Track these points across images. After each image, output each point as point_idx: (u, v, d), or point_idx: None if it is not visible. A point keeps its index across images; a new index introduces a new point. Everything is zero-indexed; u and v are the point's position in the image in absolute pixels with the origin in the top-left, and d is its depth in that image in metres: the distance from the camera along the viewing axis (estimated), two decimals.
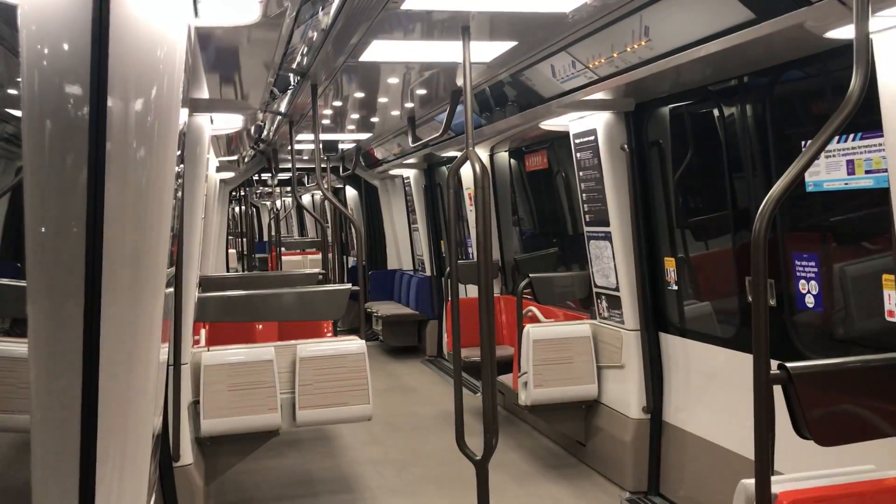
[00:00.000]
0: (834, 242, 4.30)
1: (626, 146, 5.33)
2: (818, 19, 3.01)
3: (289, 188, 16.26)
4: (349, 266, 14.07)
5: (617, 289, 5.56)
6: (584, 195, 5.75)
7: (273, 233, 16.45)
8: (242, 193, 17.26)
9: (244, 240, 17.05)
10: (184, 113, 2.05)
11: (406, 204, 11.39)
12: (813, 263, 4.12)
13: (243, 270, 14.98)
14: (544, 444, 6.73)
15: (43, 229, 1.69)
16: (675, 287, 5.31)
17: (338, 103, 6.65)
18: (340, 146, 10.57)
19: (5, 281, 4.54)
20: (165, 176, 1.82)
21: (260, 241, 18.38)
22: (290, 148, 7.57)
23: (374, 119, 7.76)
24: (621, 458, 5.56)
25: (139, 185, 1.76)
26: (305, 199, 17.31)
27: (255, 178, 13.40)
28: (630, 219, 5.39)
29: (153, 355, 1.85)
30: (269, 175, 12.01)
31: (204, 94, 4.61)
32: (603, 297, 5.80)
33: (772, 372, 2.28)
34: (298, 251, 16.32)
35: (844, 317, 4.16)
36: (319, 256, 12.75)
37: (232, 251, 16.23)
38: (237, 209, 19.38)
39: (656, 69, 3.97)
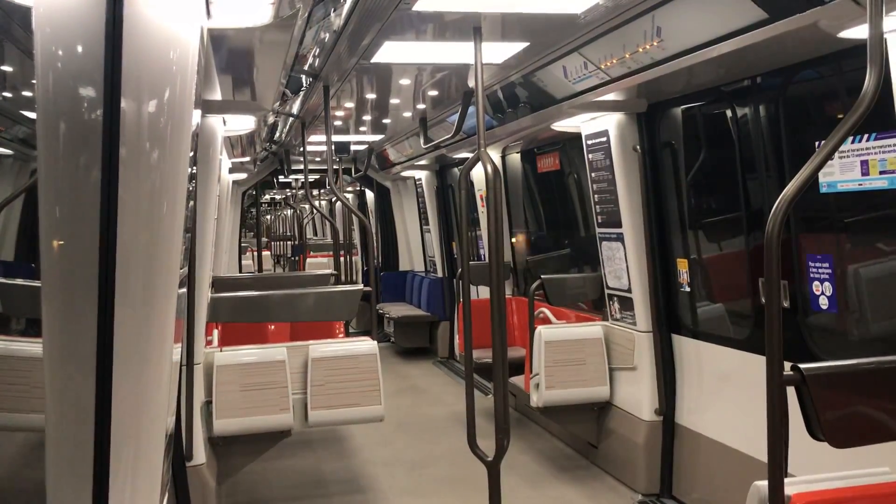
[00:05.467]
0: (848, 243, 4.27)
1: (638, 147, 5.32)
2: (832, 19, 3.00)
3: (317, 190, 16.45)
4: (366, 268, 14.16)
5: (629, 290, 5.54)
6: (596, 196, 5.73)
7: (301, 236, 16.79)
8: (283, 197, 17.52)
9: (284, 243, 17.45)
10: (197, 114, 2.06)
11: (418, 205, 11.40)
12: (827, 265, 4.09)
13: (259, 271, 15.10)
14: (556, 445, 6.72)
15: (57, 230, 1.70)
16: (688, 288, 5.29)
17: (350, 105, 6.66)
18: (352, 148, 10.60)
19: (20, 281, 4.57)
20: (178, 177, 1.82)
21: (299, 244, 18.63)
22: (301, 150, 7.59)
23: (386, 120, 7.77)
24: (634, 460, 5.54)
25: (152, 186, 1.77)
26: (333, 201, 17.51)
27: (275, 180, 13.54)
28: (642, 220, 5.37)
29: (166, 355, 1.86)
30: (293, 178, 12.10)
31: (217, 95, 4.63)
32: (615, 298, 5.79)
33: (785, 373, 2.26)
34: (328, 253, 16.46)
35: (859, 318, 4.13)
36: (353, 259, 12.87)
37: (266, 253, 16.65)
38: (285, 214, 19.92)
39: (669, 70, 3.95)
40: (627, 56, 4.09)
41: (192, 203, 2.20)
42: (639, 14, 3.71)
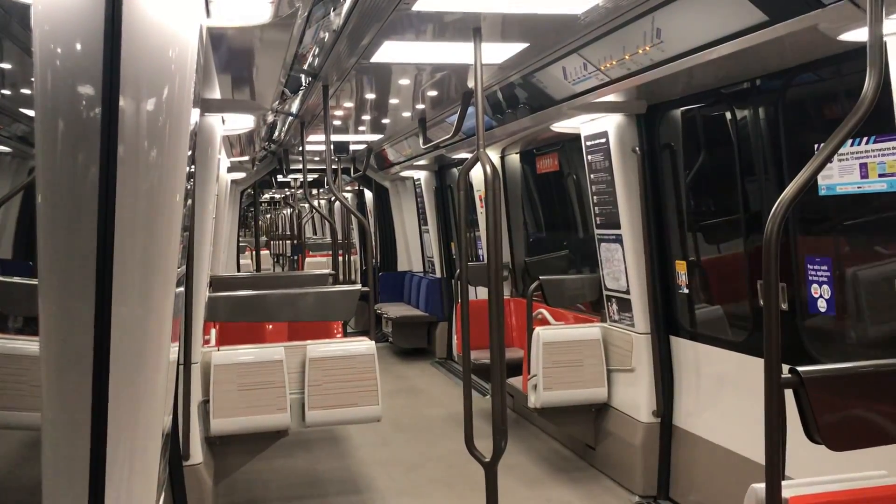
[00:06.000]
0: (847, 246, 4.27)
1: (637, 148, 5.32)
2: (832, 21, 3.00)
3: (317, 190, 16.48)
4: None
5: (627, 292, 5.55)
6: (595, 198, 5.73)
7: (301, 235, 16.87)
8: (283, 196, 17.57)
9: (287, 242, 17.64)
10: (195, 113, 2.05)
11: (417, 206, 11.39)
12: (825, 267, 4.09)
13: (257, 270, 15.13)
14: (553, 447, 6.72)
15: (54, 228, 1.70)
16: (686, 290, 5.29)
17: (349, 104, 6.66)
18: (351, 147, 10.59)
19: (18, 279, 4.57)
20: (177, 176, 1.82)
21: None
22: (300, 149, 7.58)
23: (386, 120, 7.77)
24: (631, 461, 5.54)
25: (150, 184, 1.76)
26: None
27: (273, 180, 13.57)
28: (641, 221, 5.37)
29: (163, 354, 1.86)
30: (292, 177, 12.12)
31: (216, 94, 4.63)
32: (613, 299, 5.79)
33: (783, 376, 2.26)
34: (327, 253, 16.50)
35: (857, 321, 4.14)
36: (352, 258, 12.88)
37: (265, 252, 16.71)
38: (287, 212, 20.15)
39: (668, 71, 3.95)
40: (627, 57, 4.08)
41: (190, 202, 2.20)
42: (638, 15, 3.71)
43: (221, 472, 5.33)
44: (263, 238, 20.28)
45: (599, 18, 3.84)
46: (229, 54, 3.79)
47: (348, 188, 14.90)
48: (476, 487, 4.67)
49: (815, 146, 4.07)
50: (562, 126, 5.80)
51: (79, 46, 1.67)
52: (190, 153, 1.97)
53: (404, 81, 5.66)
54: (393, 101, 6.53)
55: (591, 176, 5.71)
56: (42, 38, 1.66)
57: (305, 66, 4.92)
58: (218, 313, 5.56)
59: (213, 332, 6.33)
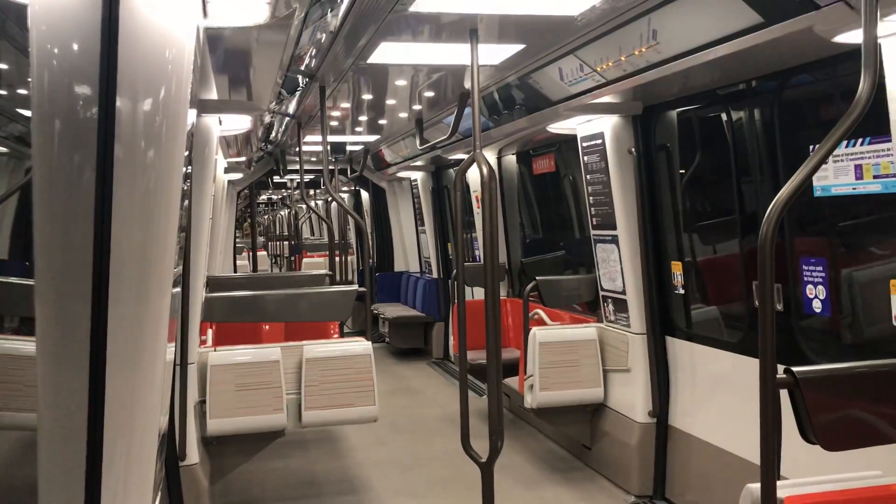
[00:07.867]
0: (842, 247, 4.28)
1: (633, 150, 5.33)
2: (827, 23, 3.01)
3: (314, 190, 16.48)
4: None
5: (623, 292, 5.55)
6: (591, 198, 5.74)
7: (298, 236, 16.88)
8: (280, 197, 17.60)
9: (286, 242, 17.73)
10: (192, 113, 2.06)
11: (413, 206, 11.40)
12: (820, 268, 4.10)
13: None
14: (550, 447, 6.72)
15: (51, 228, 1.70)
16: (682, 291, 5.30)
17: (346, 105, 6.66)
18: (348, 148, 10.59)
19: (14, 280, 4.56)
20: (173, 176, 1.82)
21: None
22: (297, 150, 7.58)
23: (382, 121, 7.77)
24: (627, 461, 5.55)
25: (147, 185, 1.77)
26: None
27: (270, 181, 13.58)
28: (637, 222, 5.38)
29: (160, 355, 1.86)
30: (289, 178, 12.12)
31: (213, 94, 4.62)
32: (609, 300, 5.80)
33: (778, 376, 2.27)
34: (325, 253, 16.50)
35: (852, 322, 4.15)
36: (349, 259, 12.86)
37: (262, 253, 16.74)
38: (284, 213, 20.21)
39: (664, 72, 3.96)
40: (623, 59, 4.09)
41: (186, 202, 2.20)
42: (635, 17, 3.72)
43: (218, 473, 5.33)
44: (261, 239, 20.28)
45: (596, 20, 3.85)
46: (226, 55, 3.79)
47: (345, 189, 14.88)
48: (472, 487, 4.67)
49: (811, 147, 4.09)
50: (558, 127, 5.81)
51: (75, 47, 1.67)
52: (186, 154, 1.97)
53: (401, 82, 5.66)
54: (390, 101, 6.53)
55: (588, 177, 5.72)
56: (39, 39, 1.66)
57: (302, 67, 4.92)
58: (214, 314, 5.56)
59: (210, 332, 6.33)
